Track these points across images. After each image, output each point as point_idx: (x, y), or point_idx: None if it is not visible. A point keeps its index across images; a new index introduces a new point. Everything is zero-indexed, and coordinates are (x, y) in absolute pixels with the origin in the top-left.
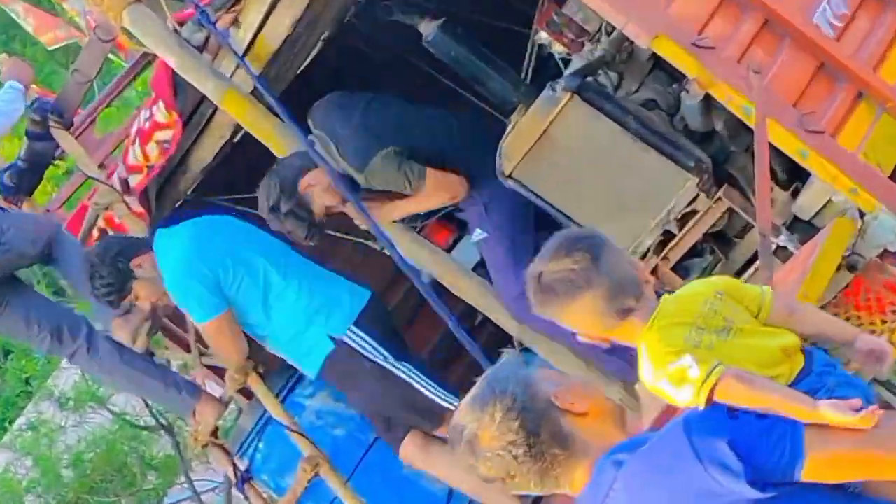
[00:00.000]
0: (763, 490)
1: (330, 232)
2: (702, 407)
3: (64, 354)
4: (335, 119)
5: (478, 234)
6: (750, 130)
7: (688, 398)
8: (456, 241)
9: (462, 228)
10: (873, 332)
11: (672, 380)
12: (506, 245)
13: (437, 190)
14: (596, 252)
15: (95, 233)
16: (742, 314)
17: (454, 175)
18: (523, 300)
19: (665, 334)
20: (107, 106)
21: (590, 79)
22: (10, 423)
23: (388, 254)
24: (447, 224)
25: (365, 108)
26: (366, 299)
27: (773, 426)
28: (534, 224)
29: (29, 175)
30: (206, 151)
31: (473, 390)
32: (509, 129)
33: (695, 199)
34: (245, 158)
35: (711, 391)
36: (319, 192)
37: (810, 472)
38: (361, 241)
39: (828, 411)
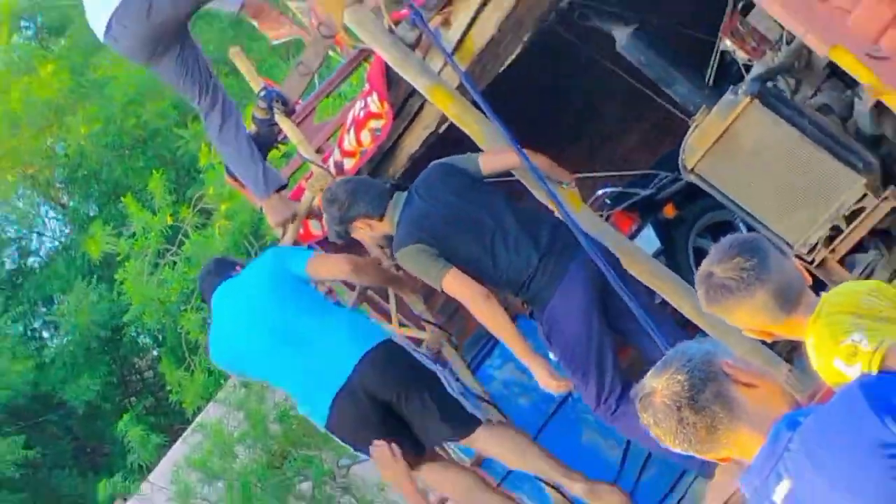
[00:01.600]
0: None
1: None
2: (875, 372)
3: (202, 115)
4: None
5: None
6: None
7: (860, 369)
8: (639, 230)
9: (644, 217)
10: None
11: (843, 356)
12: (572, 369)
13: (452, 292)
14: (763, 253)
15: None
16: (893, 309)
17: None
18: (606, 407)
19: (833, 320)
20: (325, 97)
21: (769, 84)
22: (224, 380)
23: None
24: (630, 213)
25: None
26: None
27: None
28: (597, 329)
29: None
30: (414, 140)
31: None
32: (692, 128)
33: (863, 197)
34: (448, 148)
35: (883, 359)
36: (363, 235)
37: None
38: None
39: None
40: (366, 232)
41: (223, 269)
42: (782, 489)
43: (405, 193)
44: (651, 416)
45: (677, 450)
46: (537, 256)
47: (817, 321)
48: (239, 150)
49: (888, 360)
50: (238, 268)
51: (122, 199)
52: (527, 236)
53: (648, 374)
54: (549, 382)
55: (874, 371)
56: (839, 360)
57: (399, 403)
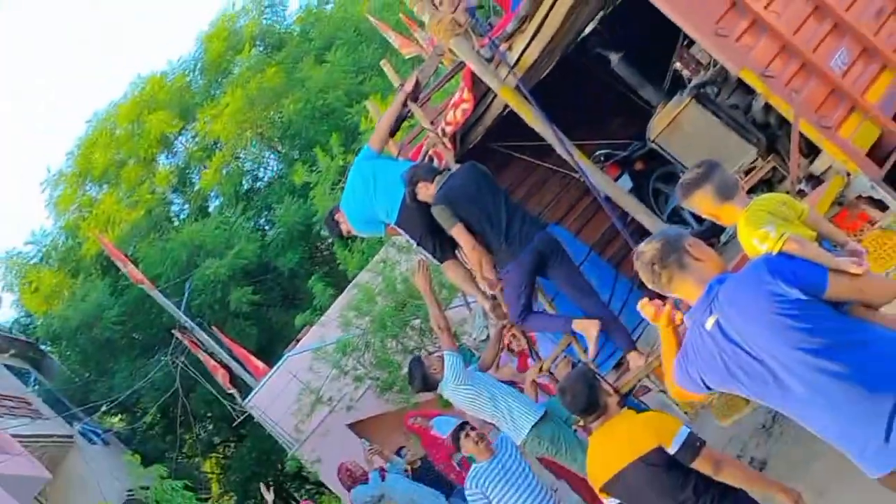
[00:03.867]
0: (806, 296)
1: (551, 166)
2: (775, 253)
3: None
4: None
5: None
6: (789, 124)
7: (767, 248)
8: (620, 176)
9: (623, 168)
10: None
11: (759, 237)
12: (512, 291)
13: (455, 236)
14: (710, 165)
15: (427, 158)
16: (794, 215)
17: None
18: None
19: (756, 213)
20: (436, 90)
21: (702, 90)
22: (369, 259)
23: (582, 181)
24: (615, 166)
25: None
26: None
27: (812, 265)
28: (526, 283)
29: (395, 127)
30: (489, 118)
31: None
32: (655, 115)
33: (755, 160)
34: (509, 125)
35: (782, 245)
36: (424, 195)
37: (830, 291)
38: (565, 171)
39: (840, 261)
40: (424, 192)
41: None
42: (711, 320)
43: (448, 173)
44: (639, 265)
45: (649, 285)
46: (506, 240)
47: (746, 212)
48: None
49: (785, 246)
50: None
51: (314, 149)
52: (506, 225)
53: (644, 242)
54: (486, 275)
55: (775, 252)
56: (756, 239)
57: None
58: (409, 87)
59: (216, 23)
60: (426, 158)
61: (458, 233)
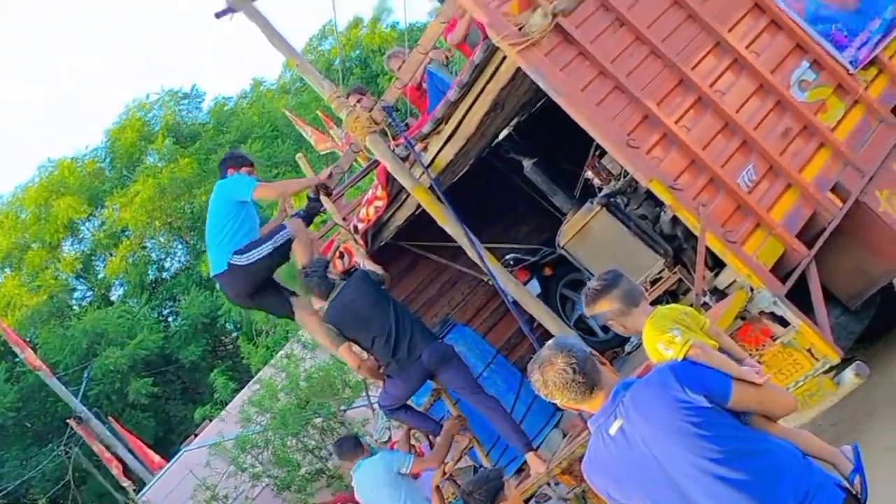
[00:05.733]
0: (710, 403)
1: (461, 268)
2: (680, 359)
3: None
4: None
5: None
6: (695, 237)
7: (672, 353)
8: (528, 280)
9: (532, 273)
10: (752, 354)
11: (664, 341)
12: (391, 393)
13: (341, 356)
14: (614, 275)
15: (337, 254)
16: (696, 326)
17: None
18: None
19: (661, 320)
20: (350, 187)
21: (612, 199)
22: (273, 354)
23: (491, 283)
24: (524, 270)
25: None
26: None
27: (717, 373)
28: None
29: (307, 219)
30: (401, 217)
31: (548, 344)
32: (565, 222)
33: (661, 271)
34: (422, 225)
35: (687, 351)
36: (316, 304)
37: (734, 400)
38: (475, 273)
39: (743, 371)
40: (315, 303)
41: None
42: (616, 425)
43: (339, 288)
44: (544, 377)
45: (557, 400)
46: (394, 357)
47: (651, 319)
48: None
49: (690, 352)
50: None
51: None
52: (394, 342)
53: (542, 355)
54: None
55: (680, 358)
56: (662, 344)
57: None
58: (323, 176)
59: (127, 114)
60: (336, 254)
61: (343, 353)
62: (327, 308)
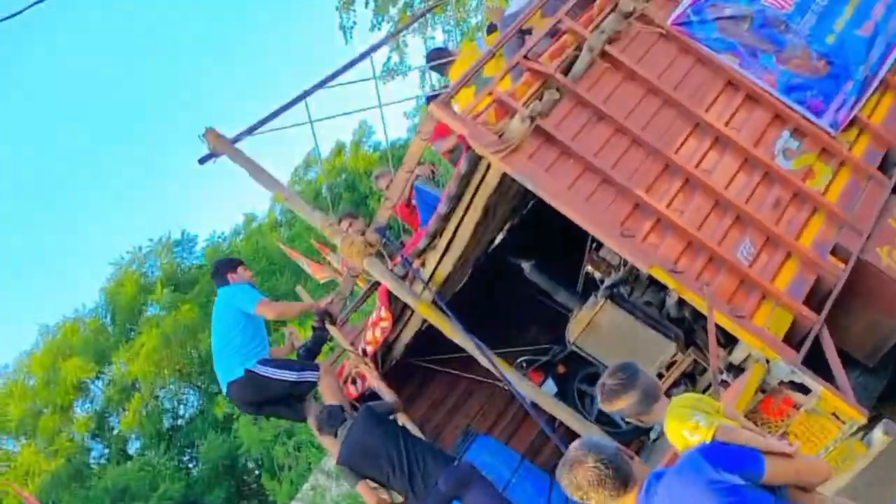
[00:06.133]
0: (745, 481)
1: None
2: (708, 441)
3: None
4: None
5: None
6: (704, 317)
7: (699, 438)
8: (544, 381)
9: (546, 373)
10: (776, 427)
11: (689, 428)
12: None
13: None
14: (633, 369)
15: (350, 380)
16: (713, 410)
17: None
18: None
19: (680, 410)
20: (354, 311)
21: (615, 290)
22: (298, 487)
23: (508, 389)
24: (538, 371)
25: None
26: None
27: (748, 450)
28: None
29: (315, 349)
30: (408, 334)
31: (574, 445)
32: (572, 319)
33: (674, 355)
34: (430, 338)
35: (714, 433)
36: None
37: (768, 475)
38: (490, 380)
39: (772, 443)
40: (326, 442)
41: None
42: None
43: (348, 426)
44: (577, 479)
45: (592, 500)
46: (411, 488)
47: (670, 412)
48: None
49: (717, 434)
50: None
51: None
52: (408, 472)
53: (570, 457)
54: None
55: (708, 440)
56: (687, 430)
57: None
58: (322, 302)
59: (120, 270)
60: (349, 380)
61: (361, 491)
62: (339, 450)
